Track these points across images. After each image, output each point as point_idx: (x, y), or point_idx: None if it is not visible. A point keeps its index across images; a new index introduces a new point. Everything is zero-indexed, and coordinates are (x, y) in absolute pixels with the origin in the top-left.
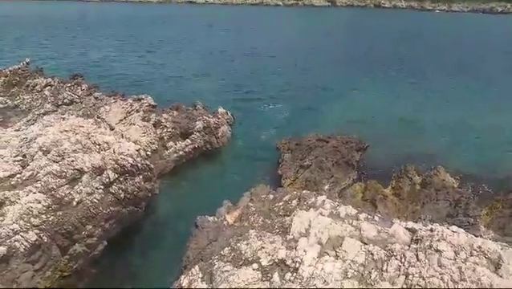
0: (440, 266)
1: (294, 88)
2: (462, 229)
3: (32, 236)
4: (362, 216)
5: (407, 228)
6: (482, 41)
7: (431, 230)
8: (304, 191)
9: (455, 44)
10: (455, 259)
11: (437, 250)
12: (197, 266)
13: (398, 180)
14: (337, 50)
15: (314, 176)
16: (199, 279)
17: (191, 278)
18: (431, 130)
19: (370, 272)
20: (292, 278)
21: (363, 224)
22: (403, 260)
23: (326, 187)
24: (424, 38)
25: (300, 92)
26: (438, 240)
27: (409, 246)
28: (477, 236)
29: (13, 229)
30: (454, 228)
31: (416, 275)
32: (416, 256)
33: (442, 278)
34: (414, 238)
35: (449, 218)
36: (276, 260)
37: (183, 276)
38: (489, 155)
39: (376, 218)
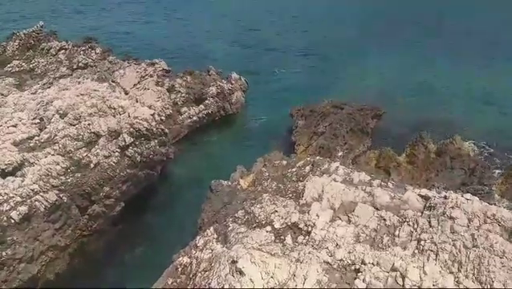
0: (452, 232)
1: (309, 55)
2: (476, 197)
3: (52, 196)
4: (375, 182)
5: (420, 195)
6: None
7: (445, 198)
8: (317, 157)
9: (478, 8)
10: (468, 226)
11: (450, 217)
12: (211, 228)
13: (413, 148)
14: (353, 17)
15: (327, 143)
16: (214, 240)
17: (206, 238)
18: (449, 98)
19: (382, 237)
20: (304, 240)
21: (376, 190)
22: (415, 226)
23: (339, 154)
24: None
25: (315, 59)
26: (452, 207)
27: (422, 212)
28: (491, 204)
29: (33, 190)
30: (468, 196)
31: (428, 241)
32: (429, 222)
33: (454, 244)
34: (427, 204)
35: (464, 186)
36: (289, 223)
37: (198, 237)
38: (507, 124)
39: (390, 185)
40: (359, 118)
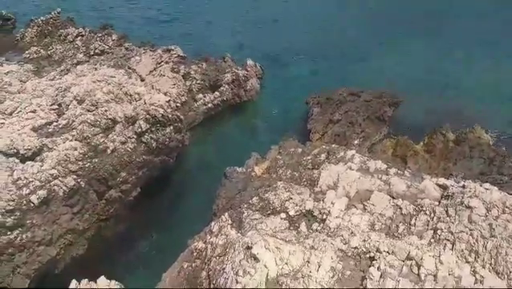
0: (470, 222)
1: (326, 42)
2: (495, 187)
3: (70, 181)
4: (392, 171)
5: (438, 184)
6: None
7: (463, 187)
8: (333, 145)
9: None
10: (486, 216)
11: (468, 207)
12: (226, 214)
13: (431, 136)
14: (371, 6)
15: (343, 130)
16: (228, 226)
17: (221, 224)
18: (469, 87)
19: (397, 226)
20: (319, 228)
21: (392, 179)
22: (432, 215)
23: (355, 142)
24: None
25: (332, 46)
26: (470, 197)
27: (439, 201)
28: (510, 194)
29: (52, 174)
30: (487, 185)
31: (445, 230)
32: (446, 212)
33: (471, 234)
34: (445, 194)
35: (482, 176)
36: (303, 211)
37: (213, 222)
38: None
39: (407, 174)
40: (376, 106)
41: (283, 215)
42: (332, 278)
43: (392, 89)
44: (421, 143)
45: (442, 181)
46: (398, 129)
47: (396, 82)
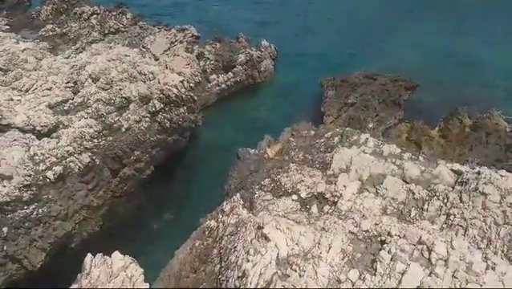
0: (484, 208)
1: (342, 25)
2: (511, 174)
3: (85, 158)
4: (406, 155)
5: (452, 170)
6: None
7: (478, 173)
8: (347, 128)
9: None
10: (501, 203)
11: (483, 193)
12: (238, 194)
13: (447, 122)
14: None
15: (358, 114)
16: (240, 206)
17: (233, 204)
18: (487, 71)
19: (410, 210)
20: (330, 210)
21: (406, 163)
22: (445, 201)
23: (370, 125)
24: None
25: (348, 30)
26: (485, 183)
27: (453, 187)
28: None
29: (67, 151)
30: (503, 172)
31: (458, 216)
32: (460, 198)
33: (485, 221)
34: (459, 180)
35: (498, 163)
36: (315, 193)
37: (225, 202)
38: None
39: (421, 158)
40: (391, 89)
41: (295, 197)
42: (342, 259)
43: (408, 73)
44: (437, 128)
45: (457, 166)
46: (413, 113)
47: (412, 66)
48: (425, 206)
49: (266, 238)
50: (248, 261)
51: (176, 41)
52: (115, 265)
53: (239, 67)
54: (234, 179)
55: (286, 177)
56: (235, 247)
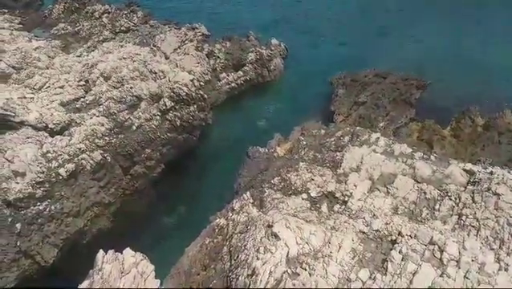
0: (496, 209)
1: (351, 23)
2: None
3: (97, 156)
4: (417, 155)
5: (465, 170)
6: None
7: (490, 173)
8: (357, 127)
9: None
10: None
11: (495, 193)
12: (248, 192)
13: (458, 121)
14: None
15: (368, 113)
16: (250, 204)
17: (242, 202)
18: (499, 71)
19: (421, 210)
20: (341, 209)
21: (417, 163)
22: (457, 201)
23: (380, 124)
24: None
25: (359, 28)
26: (497, 183)
27: (465, 187)
28: None
29: (79, 149)
30: None
31: (470, 216)
32: (472, 198)
33: (497, 221)
34: (471, 180)
35: (511, 163)
36: (325, 192)
37: (235, 200)
38: None
39: (432, 158)
40: (402, 88)
41: (305, 196)
42: (353, 259)
43: (419, 72)
44: (448, 127)
45: (469, 166)
46: (425, 113)
47: (423, 64)
48: (437, 206)
49: (276, 237)
50: (258, 259)
51: (186, 39)
52: (127, 261)
53: (249, 65)
54: (244, 177)
55: (296, 175)
56: (245, 245)
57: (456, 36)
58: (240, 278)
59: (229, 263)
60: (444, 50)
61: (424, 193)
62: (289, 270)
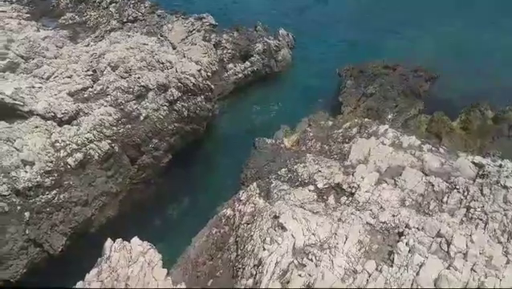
0: (505, 202)
1: (360, 14)
2: None
3: (105, 145)
4: (426, 147)
5: (473, 162)
6: None
7: (500, 166)
8: (366, 119)
9: None
10: None
11: (504, 187)
12: (254, 183)
13: (468, 113)
14: None
15: (377, 104)
16: (256, 195)
17: (249, 193)
18: (510, 65)
19: (429, 202)
20: (348, 201)
21: (426, 155)
22: (465, 193)
23: (389, 116)
24: None
25: (366, 19)
26: (506, 176)
27: (474, 180)
28: None
29: (88, 138)
30: None
31: (478, 209)
32: (481, 191)
33: (506, 214)
34: (480, 172)
35: None
36: (332, 184)
37: (242, 191)
38: None
39: (441, 150)
40: (411, 80)
41: (311, 187)
42: (359, 250)
43: (428, 63)
44: (457, 120)
45: (478, 159)
46: (434, 105)
47: (433, 56)
48: (445, 199)
49: (283, 228)
50: (264, 250)
51: (193, 30)
52: (135, 250)
53: (256, 56)
54: (251, 168)
55: (303, 167)
56: (251, 236)
57: (466, 28)
58: (246, 268)
59: (235, 253)
60: (455, 42)
61: (432, 185)
62: (295, 261)
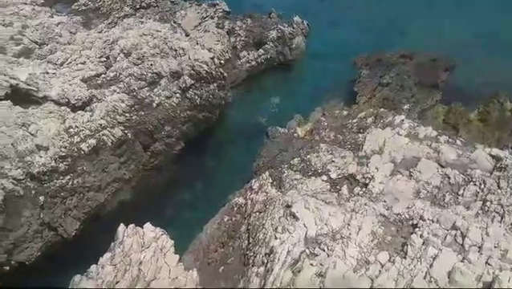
0: None
1: (378, 2)
2: None
3: (118, 132)
4: (442, 138)
5: (491, 155)
6: None
7: None
8: (381, 109)
9: None
10: None
11: None
12: (267, 172)
13: (486, 105)
14: None
15: (393, 94)
16: (269, 184)
17: (261, 182)
18: None
19: (444, 195)
20: (361, 192)
21: (442, 146)
22: (482, 186)
23: (405, 107)
24: None
25: (383, 6)
26: None
27: (491, 173)
28: None
29: (101, 125)
30: None
31: (495, 202)
32: (498, 184)
33: None
34: (498, 165)
35: None
36: (346, 174)
37: (254, 180)
38: None
39: (458, 142)
40: (429, 70)
41: (324, 177)
42: (372, 241)
43: (446, 52)
44: (475, 111)
45: (496, 151)
46: (451, 95)
47: (451, 45)
48: (461, 191)
49: (295, 217)
50: (276, 238)
51: (207, 16)
52: (147, 236)
53: (270, 43)
54: (263, 157)
55: (316, 156)
56: (263, 224)
57: (488, 17)
58: (258, 256)
59: (247, 241)
60: (474, 32)
61: (449, 177)
62: (307, 251)
